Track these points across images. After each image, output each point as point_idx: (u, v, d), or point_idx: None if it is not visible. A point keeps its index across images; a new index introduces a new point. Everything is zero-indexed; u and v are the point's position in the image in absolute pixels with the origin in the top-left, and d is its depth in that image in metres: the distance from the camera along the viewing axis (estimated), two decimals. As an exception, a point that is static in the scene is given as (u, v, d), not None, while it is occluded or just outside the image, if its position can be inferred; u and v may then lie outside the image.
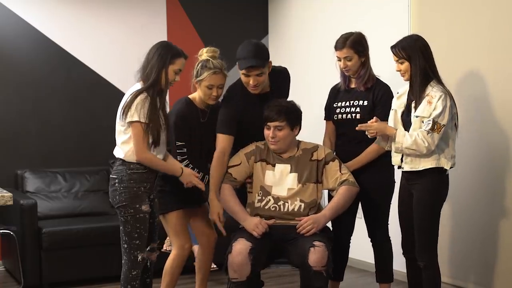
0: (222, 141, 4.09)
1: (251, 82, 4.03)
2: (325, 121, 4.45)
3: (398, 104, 3.96)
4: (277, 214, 3.98)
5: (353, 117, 4.20)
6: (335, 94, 4.37)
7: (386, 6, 5.53)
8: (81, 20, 6.27)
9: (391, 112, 3.99)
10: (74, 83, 6.26)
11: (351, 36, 4.19)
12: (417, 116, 3.78)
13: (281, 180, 4.03)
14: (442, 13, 5.03)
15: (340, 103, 4.30)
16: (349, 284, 5.08)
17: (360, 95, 4.23)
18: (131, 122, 3.72)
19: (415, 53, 3.82)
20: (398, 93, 4.04)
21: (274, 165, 4.05)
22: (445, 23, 5.01)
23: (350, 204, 4.07)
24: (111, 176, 3.86)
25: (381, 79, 4.33)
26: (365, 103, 4.20)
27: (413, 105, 3.85)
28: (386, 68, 5.47)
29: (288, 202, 3.99)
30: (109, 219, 5.73)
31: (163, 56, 3.80)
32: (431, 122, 3.70)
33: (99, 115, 6.36)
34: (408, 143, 3.75)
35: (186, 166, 4.02)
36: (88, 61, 6.32)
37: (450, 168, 3.81)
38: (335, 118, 4.31)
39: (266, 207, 4.00)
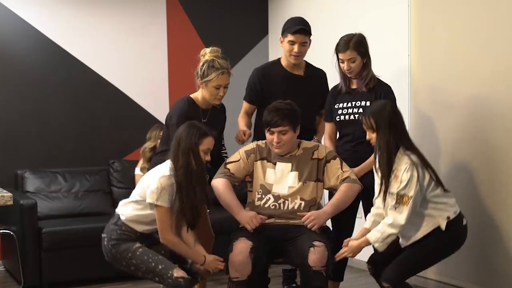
0: None
1: (295, 49, 4.36)
2: (325, 122, 4.47)
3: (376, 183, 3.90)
4: (277, 213, 3.98)
5: (356, 118, 4.20)
6: (336, 95, 4.37)
7: (387, 7, 5.53)
8: (81, 20, 6.27)
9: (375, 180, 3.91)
10: (74, 83, 6.26)
11: (353, 37, 4.19)
12: (390, 193, 3.72)
13: (282, 179, 4.03)
14: (442, 14, 5.02)
15: (342, 104, 4.30)
16: (349, 284, 5.08)
17: (362, 96, 4.23)
18: (155, 205, 3.68)
19: (382, 124, 3.73)
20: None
21: (275, 164, 4.06)
22: (445, 24, 5.00)
23: (351, 203, 4.08)
24: (102, 234, 3.82)
25: (381, 79, 4.34)
26: (368, 103, 4.20)
27: (381, 181, 3.77)
28: (387, 68, 5.49)
29: (288, 200, 3.99)
30: (109, 219, 5.71)
31: (191, 138, 3.71)
32: (395, 196, 3.65)
33: (99, 115, 6.37)
34: (379, 235, 3.68)
35: None
36: (88, 61, 6.32)
37: (454, 218, 3.72)
38: (338, 119, 4.31)
39: (266, 205, 4.00)
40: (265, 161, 4.07)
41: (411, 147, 3.76)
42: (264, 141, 4.14)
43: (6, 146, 5.99)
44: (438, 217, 3.70)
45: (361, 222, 4.28)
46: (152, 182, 3.66)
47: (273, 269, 4.28)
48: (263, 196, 4.03)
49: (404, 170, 3.64)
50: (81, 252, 5.38)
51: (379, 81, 4.30)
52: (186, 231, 3.87)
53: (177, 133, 3.77)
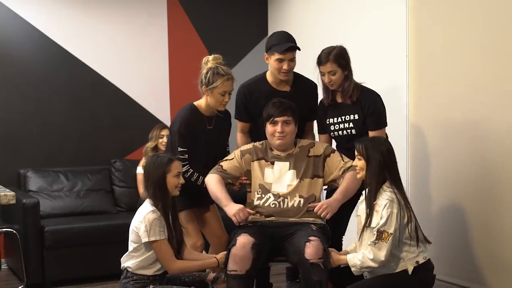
0: None
1: (285, 66, 4.18)
2: (319, 134, 4.47)
3: (361, 210, 3.85)
4: (277, 211, 4.01)
5: (350, 133, 4.24)
6: (325, 109, 4.35)
7: (385, 8, 5.54)
8: (82, 21, 6.29)
9: (357, 218, 3.90)
10: (75, 83, 6.29)
11: (334, 50, 4.17)
12: (369, 227, 3.69)
13: (280, 177, 4.06)
14: (439, 15, 5.04)
15: (332, 119, 4.30)
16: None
17: (349, 109, 4.24)
18: (150, 242, 3.70)
19: (374, 155, 3.70)
20: (362, 197, 3.93)
21: (273, 163, 4.09)
22: (441, 26, 5.02)
23: (351, 199, 4.10)
24: None
25: (367, 85, 4.32)
26: (356, 116, 4.21)
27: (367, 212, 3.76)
28: (383, 68, 5.52)
29: (287, 198, 4.02)
30: (111, 218, 5.76)
31: (158, 168, 3.76)
32: (375, 232, 3.62)
33: (100, 115, 6.39)
34: (358, 263, 3.66)
35: (187, 171, 4.09)
36: (89, 61, 6.34)
37: (422, 264, 3.68)
38: (333, 136, 4.31)
39: (266, 204, 4.03)
40: (262, 161, 4.10)
41: (397, 185, 3.72)
42: (261, 142, 4.18)
43: (8, 145, 6.01)
44: (407, 260, 3.67)
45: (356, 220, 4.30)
46: (140, 223, 3.70)
47: (276, 265, 4.30)
48: (263, 196, 4.05)
49: (384, 206, 3.62)
50: (83, 250, 5.41)
51: (363, 90, 4.27)
52: (186, 250, 3.94)
53: (145, 168, 3.82)
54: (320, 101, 4.39)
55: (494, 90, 4.61)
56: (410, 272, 3.65)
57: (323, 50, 4.21)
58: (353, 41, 5.79)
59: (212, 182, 4.05)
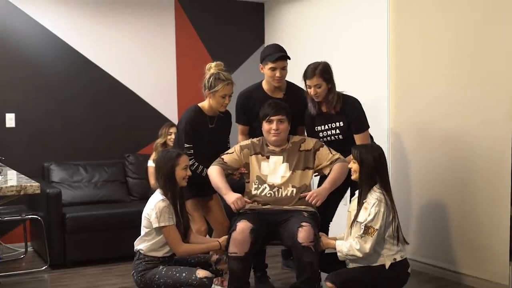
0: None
1: (277, 74, 4.19)
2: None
3: (352, 207, 3.84)
4: (272, 199, 4.00)
5: (337, 138, 4.24)
6: (313, 118, 4.31)
7: (368, 20, 5.52)
8: (100, 31, 6.26)
9: (347, 214, 3.88)
10: (93, 86, 6.26)
11: (319, 65, 4.15)
12: (357, 222, 3.70)
13: (275, 170, 4.05)
14: (415, 26, 5.04)
15: (320, 127, 4.28)
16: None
17: (334, 117, 4.23)
18: (160, 228, 3.69)
19: (368, 160, 3.70)
20: (354, 196, 3.94)
21: (268, 157, 4.08)
22: (418, 36, 5.02)
23: (340, 189, 4.11)
24: (131, 272, 3.82)
25: (348, 93, 4.30)
26: (341, 123, 4.21)
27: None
28: (367, 78, 5.50)
29: (281, 188, 4.01)
30: (125, 206, 5.75)
31: (167, 161, 3.75)
32: (363, 227, 3.63)
33: (116, 114, 6.37)
34: (345, 250, 3.67)
35: (192, 164, 4.08)
36: (105, 66, 6.31)
37: (399, 261, 3.67)
38: (322, 141, 4.26)
39: (263, 193, 4.02)
40: (259, 155, 4.09)
41: (386, 187, 3.72)
42: (258, 138, 4.17)
43: (34, 142, 5.99)
44: (386, 256, 3.67)
45: (344, 209, 4.28)
46: (152, 211, 3.70)
47: (272, 248, 4.28)
48: (260, 186, 4.04)
49: (373, 204, 3.63)
50: (100, 235, 5.40)
51: (345, 99, 4.25)
52: (192, 235, 3.93)
53: (156, 162, 3.82)
54: (306, 110, 4.33)
55: (465, 96, 4.61)
56: (387, 267, 3.65)
57: (309, 66, 4.19)
58: (340, 52, 5.82)
59: (214, 173, 4.04)
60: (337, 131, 4.23)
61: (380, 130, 5.15)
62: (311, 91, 4.17)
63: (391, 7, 5.26)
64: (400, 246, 3.72)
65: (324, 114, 4.26)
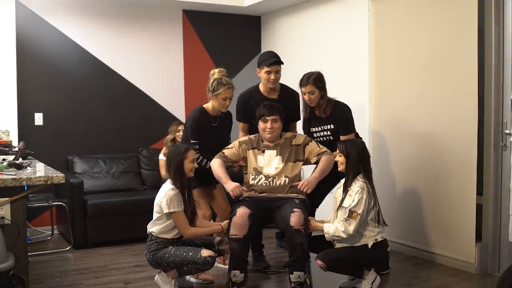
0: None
1: (272, 77, 4.17)
2: None
3: (338, 194, 3.88)
4: (267, 188, 4.01)
5: (328, 139, 4.26)
6: (309, 121, 4.36)
7: (352, 31, 5.52)
8: (117, 41, 6.26)
9: (333, 200, 3.92)
10: (111, 89, 6.26)
11: (313, 75, 4.18)
12: (342, 207, 3.73)
13: (269, 162, 4.06)
14: (393, 37, 5.04)
15: (314, 128, 4.32)
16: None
17: (326, 120, 4.25)
18: (170, 213, 3.70)
19: (352, 153, 3.75)
20: (339, 183, 3.96)
21: (263, 151, 4.09)
22: (395, 44, 5.02)
23: (329, 181, 4.12)
24: (144, 252, 3.85)
25: (339, 99, 4.31)
26: (332, 126, 4.24)
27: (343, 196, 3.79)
28: (351, 79, 5.50)
29: (275, 178, 4.02)
30: (139, 194, 5.76)
31: (177, 155, 3.79)
32: (348, 211, 3.66)
33: (130, 114, 6.37)
34: (331, 232, 3.70)
35: (198, 158, 4.09)
36: (122, 72, 6.31)
37: (379, 242, 3.71)
38: (316, 141, 4.27)
39: (259, 183, 4.03)
40: (256, 149, 4.11)
41: (368, 177, 3.75)
42: (254, 135, 4.18)
43: (59, 137, 6.00)
44: (368, 237, 3.70)
45: (329, 197, 4.30)
46: (163, 198, 3.71)
47: (268, 231, 4.29)
48: (256, 177, 4.05)
49: (357, 192, 3.66)
50: (117, 219, 5.41)
51: (336, 104, 4.27)
52: (198, 219, 3.93)
53: (167, 155, 3.84)
54: (303, 115, 4.39)
55: (435, 98, 4.62)
56: (369, 246, 3.68)
57: (304, 75, 4.22)
58: (327, 59, 5.80)
59: (216, 165, 4.06)
60: (328, 132, 4.26)
61: (363, 128, 5.15)
62: (306, 97, 4.20)
63: (372, 19, 5.26)
64: (381, 228, 3.75)
65: (318, 118, 4.29)
